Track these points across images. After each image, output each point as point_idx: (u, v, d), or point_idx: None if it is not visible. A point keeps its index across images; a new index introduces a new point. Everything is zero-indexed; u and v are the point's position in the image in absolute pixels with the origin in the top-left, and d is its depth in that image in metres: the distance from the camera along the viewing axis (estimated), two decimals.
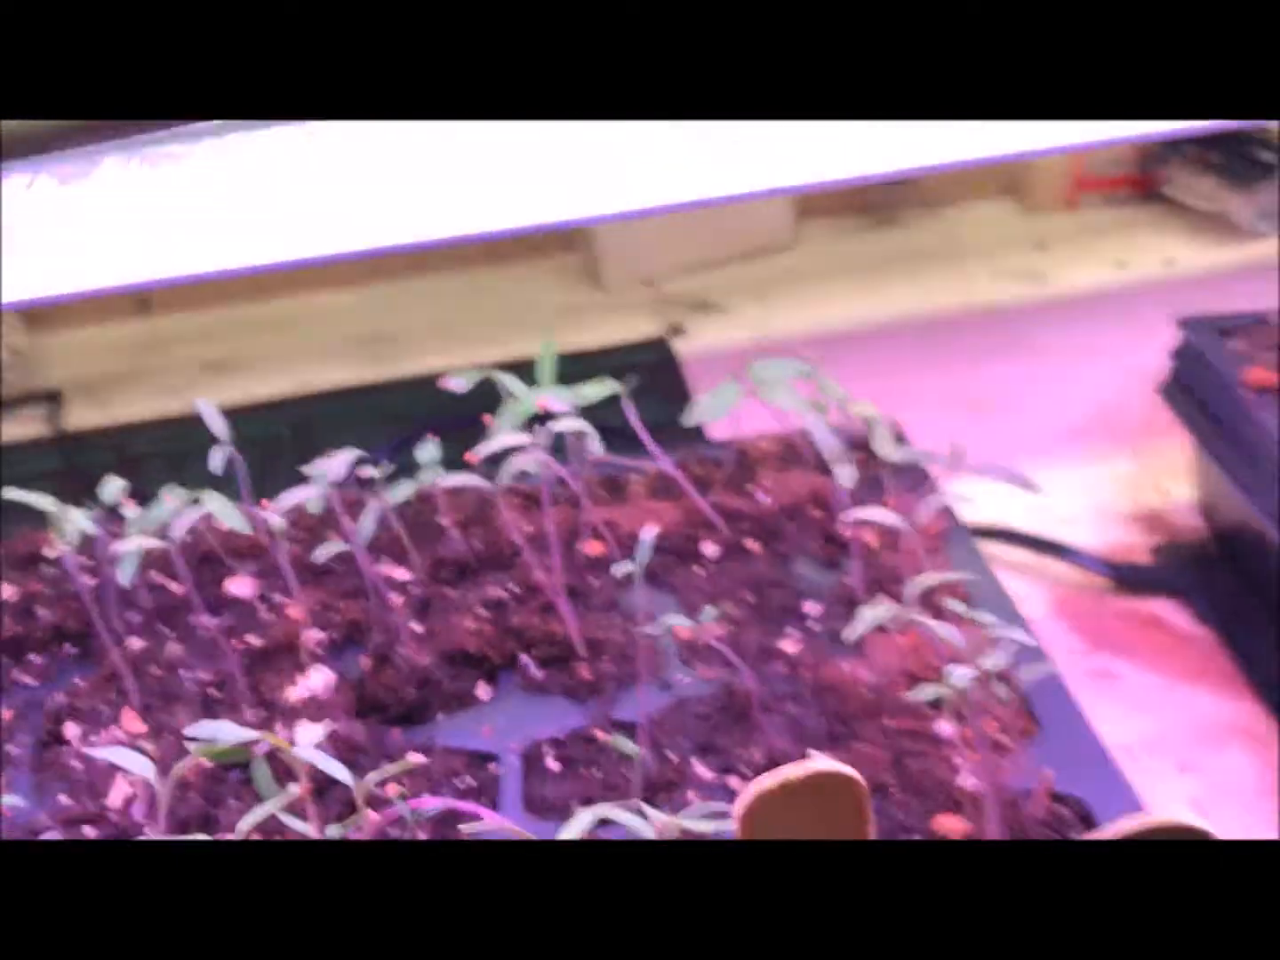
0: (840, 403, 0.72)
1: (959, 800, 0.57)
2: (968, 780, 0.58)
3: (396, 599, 0.73)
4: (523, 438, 0.67)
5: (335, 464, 0.74)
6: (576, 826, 0.46)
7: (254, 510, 0.77)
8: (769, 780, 0.34)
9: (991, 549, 0.88)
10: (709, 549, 0.76)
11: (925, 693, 0.53)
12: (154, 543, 0.67)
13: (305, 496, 0.68)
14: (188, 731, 0.48)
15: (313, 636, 0.71)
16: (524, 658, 0.69)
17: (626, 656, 0.68)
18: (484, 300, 1.34)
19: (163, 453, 1.18)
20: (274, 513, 0.67)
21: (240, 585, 0.77)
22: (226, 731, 0.49)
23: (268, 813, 0.48)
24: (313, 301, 1.35)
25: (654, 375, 1.24)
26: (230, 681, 0.70)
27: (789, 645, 0.68)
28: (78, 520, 0.68)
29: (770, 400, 0.73)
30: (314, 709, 0.67)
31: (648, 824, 0.48)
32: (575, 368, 1.41)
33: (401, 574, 0.76)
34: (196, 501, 0.72)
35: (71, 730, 0.69)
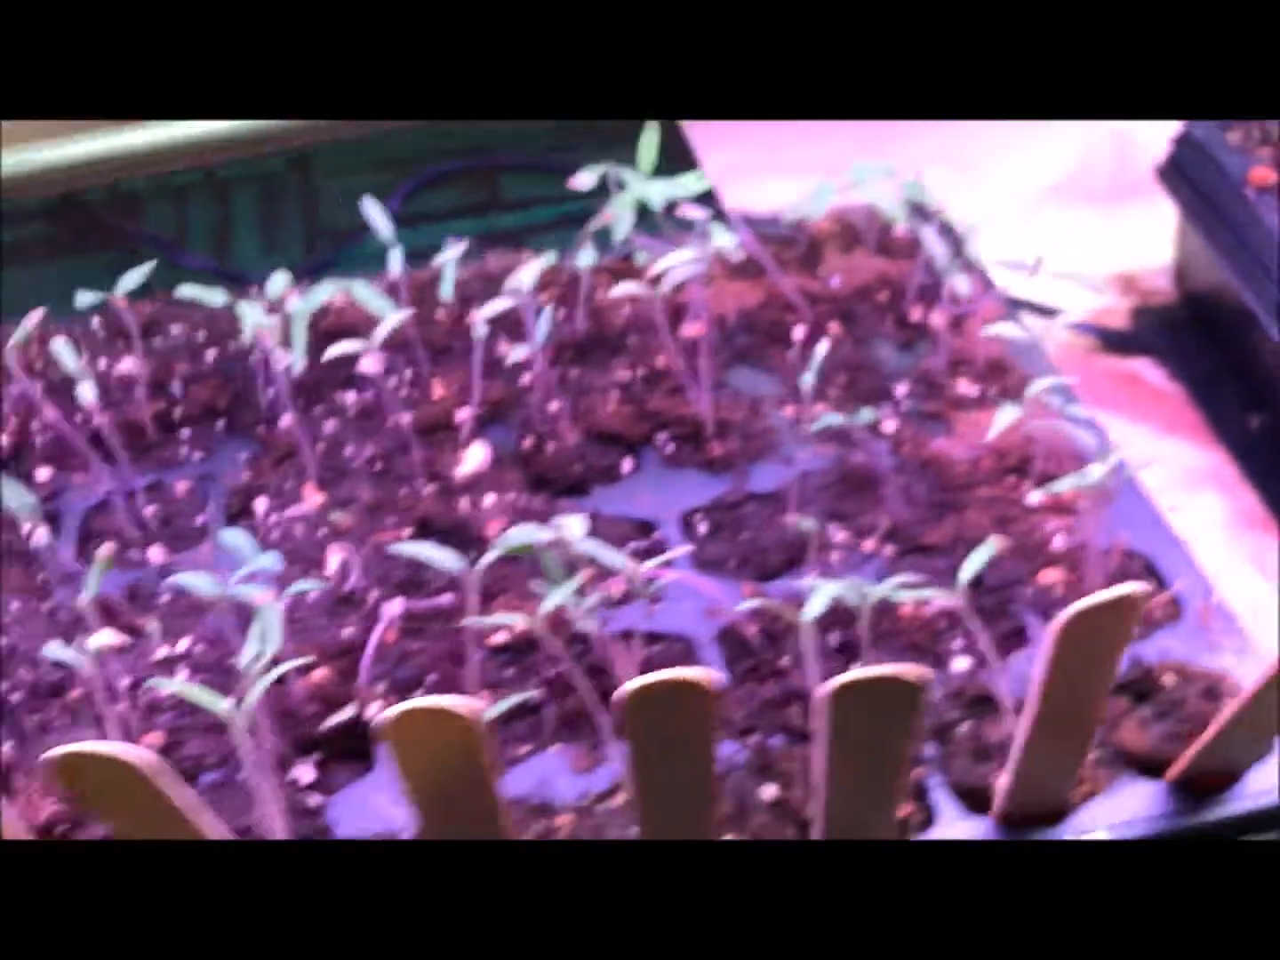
0: (928, 205, 0.81)
1: (1055, 558, 0.71)
2: (1058, 541, 0.72)
3: (528, 379, 0.81)
4: (684, 253, 0.74)
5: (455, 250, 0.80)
6: (817, 604, 0.58)
7: (377, 286, 0.83)
8: (1085, 603, 0.46)
9: None
10: (796, 332, 0.85)
11: (1060, 485, 0.66)
12: (359, 344, 0.73)
13: (505, 306, 0.75)
14: (499, 542, 0.58)
15: (464, 414, 0.79)
16: (660, 436, 0.79)
17: (749, 434, 0.79)
18: None
19: (151, 189, 1.18)
20: (479, 322, 0.73)
21: (371, 362, 0.83)
22: (526, 534, 0.58)
23: (562, 597, 0.58)
24: None
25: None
26: (395, 456, 0.78)
27: (886, 425, 0.79)
28: (252, 316, 0.73)
29: (867, 199, 0.82)
30: (488, 482, 0.76)
31: (863, 596, 0.61)
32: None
33: (522, 353, 0.84)
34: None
35: (261, 504, 0.76)
